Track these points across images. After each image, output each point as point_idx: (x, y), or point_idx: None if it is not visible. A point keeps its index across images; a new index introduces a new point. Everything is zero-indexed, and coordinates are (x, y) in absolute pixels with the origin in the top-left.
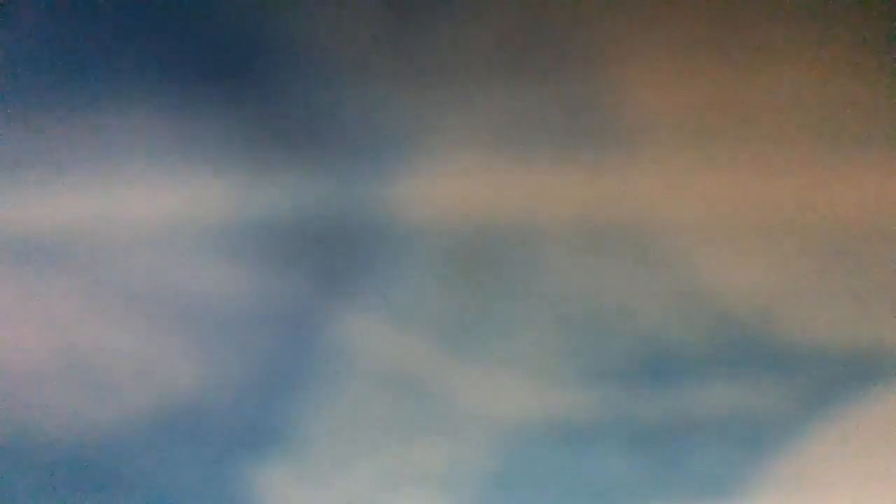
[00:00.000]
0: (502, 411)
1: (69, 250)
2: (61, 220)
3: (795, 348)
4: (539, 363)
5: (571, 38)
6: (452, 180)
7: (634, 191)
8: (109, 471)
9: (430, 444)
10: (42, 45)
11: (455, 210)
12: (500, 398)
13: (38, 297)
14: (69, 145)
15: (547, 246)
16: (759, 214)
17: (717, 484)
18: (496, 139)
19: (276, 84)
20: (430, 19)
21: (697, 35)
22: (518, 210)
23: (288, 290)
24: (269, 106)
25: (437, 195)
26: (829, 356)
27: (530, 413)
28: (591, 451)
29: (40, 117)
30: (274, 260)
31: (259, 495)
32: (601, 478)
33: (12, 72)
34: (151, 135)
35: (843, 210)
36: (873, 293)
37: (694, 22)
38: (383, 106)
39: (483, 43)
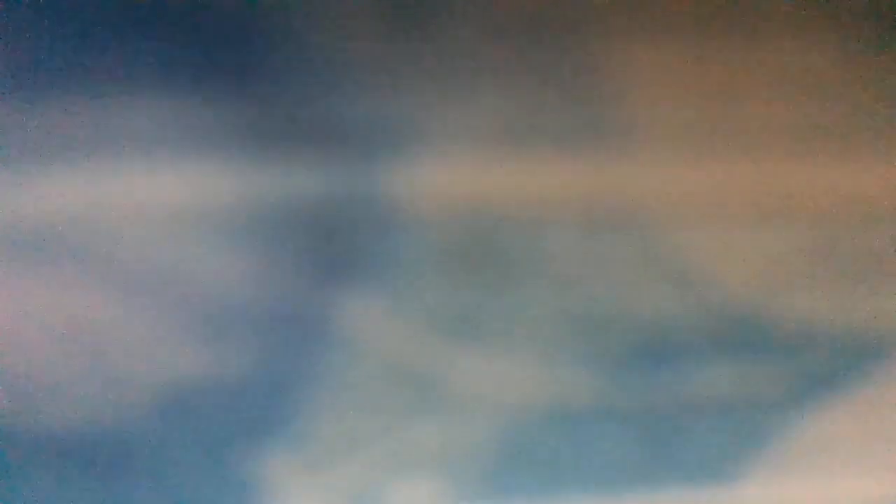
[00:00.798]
0: (503, 397)
1: (73, 239)
2: (65, 210)
3: (792, 333)
4: (539, 350)
5: (570, 33)
6: (454, 172)
7: (633, 181)
8: (113, 458)
9: (432, 430)
10: (46, 36)
11: (456, 201)
12: (502, 385)
13: (42, 286)
14: (74, 135)
15: (546, 236)
16: (755, 202)
17: (715, 467)
18: (496, 131)
19: (278, 77)
20: (431, 13)
21: (694, 28)
22: (518, 201)
23: (291, 280)
24: (271, 98)
25: (439, 186)
26: (824, 341)
27: (531, 399)
28: (591, 437)
29: (44, 107)
30: (277, 250)
31: (262, 481)
32: (601, 463)
33: (16, 62)
34: (154, 126)
35: (838, 198)
36: (868, 279)
37: (690, 16)
38: (385, 98)
39: (483, 37)
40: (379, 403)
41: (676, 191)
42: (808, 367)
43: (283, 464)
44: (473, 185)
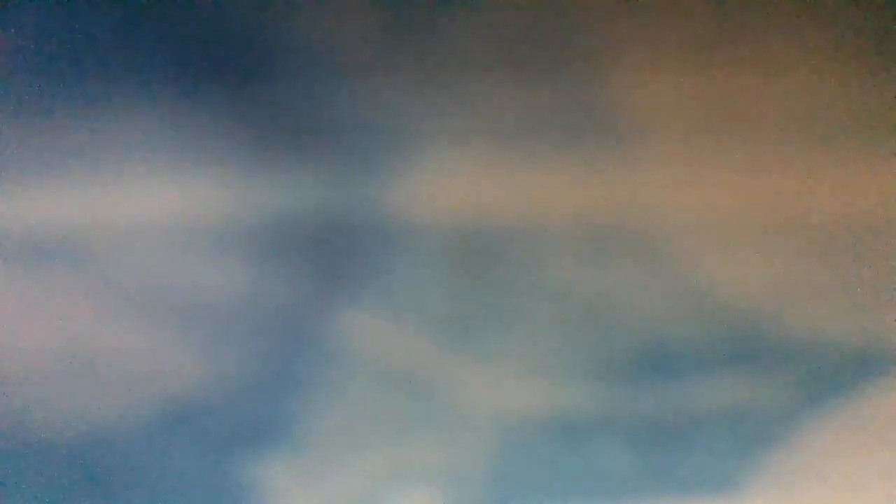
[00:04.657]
0: (503, 407)
1: (71, 249)
2: (63, 219)
3: (794, 344)
4: (539, 360)
5: (572, 38)
6: (453, 178)
7: (634, 189)
8: (110, 467)
9: (430, 439)
10: (43, 44)
11: (455, 208)
12: (501, 394)
13: (39, 296)
14: (71, 144)
15: (547, 243)
16: (757, 212)
17: (717, 478)
18: (496, 138)
19: (277, 84)
20: (431, 19)
21: (697, 35)
22: (518, 208)
23: (288, 288)
24: (269, 106)
25: (438, 193)
26: (827, 352)
27: (530, 409)
28: (591, 447)
29: (41, 117)
30: (275, 258)
31: (259, 491)
32: (602, 473)
33: (13, 72)
34: (152, 135)
35: (840, 208)
36: (870, 290)
37: (694, 22)
38: (384, 105)
39: (483, 43)
40: (377, 412)
41: (678, 200)
42: (810, 378)
43: (280, 472)
44: (472, 193)
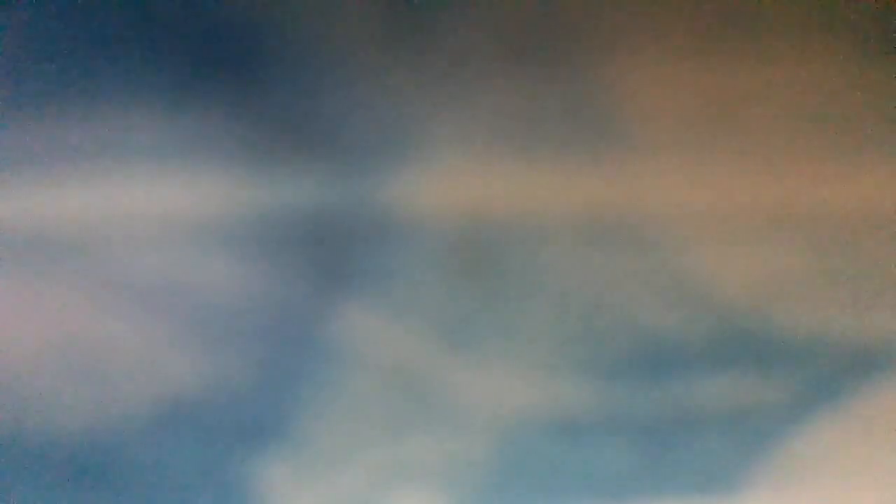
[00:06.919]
0: (502, 406)
1: (71, 246)
2: (63, 216)
3: (793, 342)
4: (539, 359)
5: (570, 37)
6: (453, 176)
7: (633, 187)
8: (110, 465)
9: (429, 438)
10: (45, 43)
11: (455, 206)
12: (500, 393)
13: (40, 293)
14: (72, 142)
15: (546, 242)
16: (756, 210)
17: (715, 477)
18: (496, 136)
19: (277, 82)
20: (430, 19)
21: (695, 34)
22: (518, 206)
23: (289, 286)
24: (270, 104)
25: (438, 191)
26: (826, 350)
27: (529, 408)
28: (590, 446)
29: (43, 114)
30: (275, 256)
31: (259, 490)
32: (600, 472)
33: (16, 70)
34: (153, 132)
35: (839, 205)
36: (869, 287)
37: (694, 20)
38: (384, 103)
39: (483, 42)
40: (376, 413)
41: (677, 198)
42: (808, 377)
43: (280, 471)
44: (472, 194)
